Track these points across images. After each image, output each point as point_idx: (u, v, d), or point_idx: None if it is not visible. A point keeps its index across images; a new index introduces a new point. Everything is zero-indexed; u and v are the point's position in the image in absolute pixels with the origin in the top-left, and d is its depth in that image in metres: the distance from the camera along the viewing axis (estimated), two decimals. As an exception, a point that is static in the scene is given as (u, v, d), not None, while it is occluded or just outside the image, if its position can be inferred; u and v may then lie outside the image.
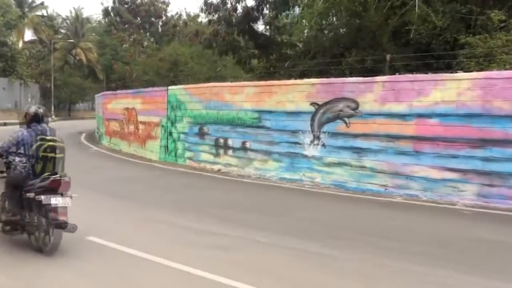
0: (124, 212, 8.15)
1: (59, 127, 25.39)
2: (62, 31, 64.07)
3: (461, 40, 11.32)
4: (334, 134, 10.67)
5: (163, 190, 10.61)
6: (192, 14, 39.04)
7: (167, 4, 36.30)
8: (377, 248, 6.11)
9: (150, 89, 18.20)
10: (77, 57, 60.82)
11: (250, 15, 17.94)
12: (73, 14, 63.92)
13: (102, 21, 36.88)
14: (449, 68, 11.34)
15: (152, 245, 6.08)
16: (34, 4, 60.98)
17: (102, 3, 41.62)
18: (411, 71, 11.00)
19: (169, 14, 36.60)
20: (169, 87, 16.13)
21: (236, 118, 12.98)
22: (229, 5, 18.94)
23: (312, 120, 11.07)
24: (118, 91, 21.51)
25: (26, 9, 59.23)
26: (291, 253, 5.88)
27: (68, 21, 64.32)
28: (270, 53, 19.02)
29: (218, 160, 13.69)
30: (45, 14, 61.81)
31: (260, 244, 6.27)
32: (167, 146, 15.95)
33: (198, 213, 8.13)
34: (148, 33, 32.53)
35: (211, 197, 9.84)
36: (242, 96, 12.81)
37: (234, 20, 18.40)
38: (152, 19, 35.84)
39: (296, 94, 11.42)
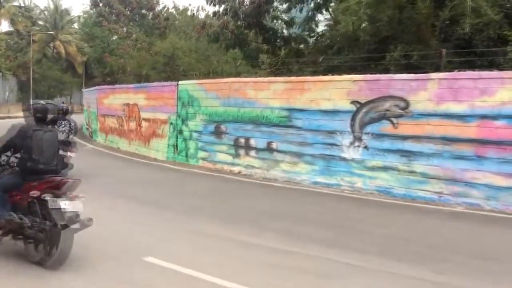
0: (167, 225, 7.14)
1: None
2: (40, 22, 61.94)
3: (509, 36, 10.59)
4: (379, 136, 9.81)
5: (193, 196, 9.60)
6: (180, 7, 37.81)
7: (159, -5, 35.04)
8: (497, 275, 5.27)
9: (156, 83, 17.08)
10: (56, 50, 58.88)
11: (261, 8, 16.92)
12: (52, 6, 61.98)
13: (91, 11, 35.26)
14: (493, 66, 10.58)
15: (228, 271, 5.12)
16: (11, -6, 58.63)
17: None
18: (452, 69, 10.21)
19: (160, 6, 35.29)
20: (180, 82, 15.07)
21: (261, 117, 12.03)
22: (236, -4, 17.91)
23: (353, 120, 10.19)
24: (117, 85, 20.29)
25: (2, -1, 56.94)
26: (406, 283, 4.97)
27: (46, 12, 62.23)
28: (279, 48, 18.07)
29: (237, 161, 12.72)
30: (22, 4, 59.59)
31: (362, 269, 5.32)
32: (176, 145, 14.89)
33: (253, 226, 7.17)
34: (138, 26, 31.14)
35: (253, 205, 8.87)
36: (269, 92, 11.86)
37: (242, 13, 17.36)
38: (143, 11, 34.47)
39: (333, 91, 10.52)
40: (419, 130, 9.26)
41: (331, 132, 10.58)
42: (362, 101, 10.03)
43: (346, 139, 10.34)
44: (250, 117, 12.30)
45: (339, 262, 5.55)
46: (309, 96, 10.97)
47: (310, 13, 16.26)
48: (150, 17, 34.14)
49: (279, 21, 19.35)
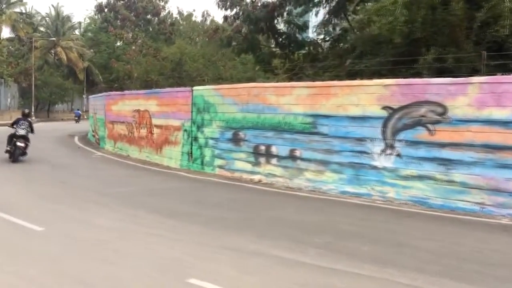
0: (199, 240, 6.60)
1: (43, 130, 24.20)
2: (42, 29, 61.65)
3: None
4: (414, 143, 9.30)
5: (217, 207, 9.08)
6: (185, 13, 37.38)
7: (166, 1, 34.46)
8: None
9: (169, 89, 16.60)
10: (57, 57, 58.42)
11: (274, 12, 16.48)
12: (53, 12, 61.66)
13: (96, 17, 34.77)
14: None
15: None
16: (12, 0, 58.27)
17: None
18: (489, 73, 9.72)
19: (167, 11, 34.85)
20: (195, 88, 14.57)
21: (283, 123, 11.53)
22: (248, 0, 17.47)
23: (385, 126, 9.68)
24: (126, 91, 19.78)
25: (4, 5, 56.57)
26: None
27: (47, 19, 61.88)
28: (292, 53, 17.60)
29: (257, 170, 12.20)
30: (24, 11, 59.26)
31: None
32: (191, 153, 14.37)
33: (290, 240, 6.63)
34: (144, 31, 30.65)
35: (283, 217, 8.34)
36: (291, 98, 11.36)
37: (255, 17, 16.91)
38: (149, 16, 34.00)
39: (362, 97, 10.02)
40: (458, 137, 8.76)
41: (360, 139, 10.07)
42: (395, 107, 9.53)
43: (377, 147, 9.83)
44: (271, 124, 11.81)
45: (400, 284, 5.03)
46: (335, 102, 10.47)
47: (327, 17, 15.76)
48: (155, 22, 33.71)
49: (291, 25, 18.87)
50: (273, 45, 18.30)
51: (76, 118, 48.67)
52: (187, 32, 32.65)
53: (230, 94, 13.05)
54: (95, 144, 22.78)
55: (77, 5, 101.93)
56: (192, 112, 14.30)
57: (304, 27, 18.21)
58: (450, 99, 8.83)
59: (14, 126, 15.08)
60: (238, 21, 17.43)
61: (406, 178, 9.42)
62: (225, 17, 18.80)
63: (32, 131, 15.41)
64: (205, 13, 34.61)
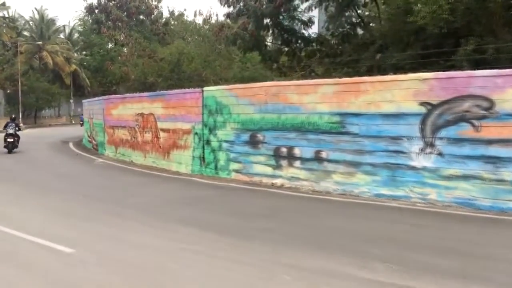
0: (251, 257, 5.93)
1: (34, 136, 24.38)
2: (26, 33, 60.15)
3: None
4: (457, 140, 8.71)
5: (252, 217, 8.40)
6: (176, 12, 36.52)
7: (159, 0, 33.49)
8: None
9: (176, 91, 15.85)
10: (43, 61, 57.03)
11: (281, 7, 15.81)
12: (37, 15, 60.21)
13: (86, 19, 33.70)
14: None
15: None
16: (-6, 5, 56.74)
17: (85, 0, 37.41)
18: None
19: (159, 11, 33.88)
20: (205, 88, 13.87)
21: (306, 123, 10.89)
22: (253, -4, 16.77)
23: (423, 123, 9.08)
24: (127, 94, 18.97)
25: (-14, 10, 55.03)
26: None
27: (31, 22, 60.43)
28: (299, 49, 16.95)
29: (279, 173, 11.55)
30: (7, 15, 57.72)
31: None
32: (203, 157, 13.66)
33: (348, 252, 6.02)
34: (138, 32, 29.77)
35: (327, 225, 7.70)
36: (316, 96, 10.71)
37: (261, 13, 16.22)
38: (141, 17, 33.06)
39: (397, 93, 9.41)
40: (508, 132, 8.19)
41: (396, 138, 9.45)
42: (434, 102, 8.93)
43: (415, 145, 9.22)
44: (293, 124, 11.16)
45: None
46: (366, 99, 9.85)
47: (339, 10, 15.11)
48: (148, 22, 32.81)
49: (297, 21, 18.22)
50: (278, 42, 17.60)
51: (81, 122, 47.53)
52: (180, 32, 31.79)
53: (245, 94, 12.37)
54: (93, 150, 21.91)
55: (61, 8, 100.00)
56: (203, 114, 13.59)
57: (310, 22, 17.57)
58: (498, 92, 8.25)
59: (6, 128, 20.39)
60: (240, 18, 16.69)
61: (449, 178, 8.83)
62: (228, 14, 18.10)
63: (19, 129, 21.21)
64: (197, 12, 33.91)
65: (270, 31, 17.21)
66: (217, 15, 33.18)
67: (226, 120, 12.83)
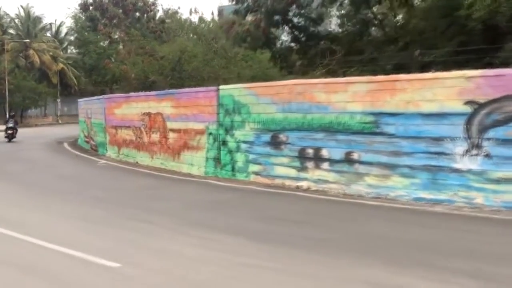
0: (324, 273, 5.34)
1: (26, 136, 24.16)
2: (11, 31, 58.76)
3: None
4: (507, 142, 8.24)
5: (297, 224, 7.81)
6: (170, 11, 35.80)
7: (156, -3, 32.80)
8: None
9: (188, 89, 15.23)
10: (29, 59, 55.69)
11: (294, 3, 15.26)
12: (23, 13, 58.87)
13: (80, 16, 32.70)
14: None
15: None
16: (-21, 2, 55.36)
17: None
18: None
19: (156, 9, 33.13)
20: (221, 87, 13.26)
21: (336, 123, 10.35)
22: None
23: (469, 123, 8.58)
24: (132, 93, 18.25)
25: (-30, 8, 53.66)
26: None
27: (17, 20, 59.07)
28: (310, 47, 16.42)
29: (304, 175, 11.00)
30: (-9, 13, 56.34)
31: None
32: (219, 158, 13.05)
33: (435, 269, 5.40)
34: (138, 29, 28.96)
35: (378, 233, 7.13)
36: (346, 95, 10.18)
37: (273, 9, 15.66)
38: (137, 14, 32.24)
39: (439, 91, 8.91)
40: None
41: (438, 139, 8.95)
42: (481, 101, 8.44)
43: (459, 147, 8.73)
44: (320, 124, 10.61)
45: None
46: (404, 98, 9.33)
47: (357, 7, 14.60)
48: (144, 20, 32.01)
49: (307, 19, 17.68)
50: (287, 40, 17.08)
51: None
52: (176, 31, 31.10)
53: (267, 93, 11.80)
54: (92, 151, 21.13)
55: (48, 6, 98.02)
56: (218, 113, 12.98)
57: (319, 20, 17.06)
58: (553, 90, 7.78)
59: (7, 123, 27.00)
60: (252, 14, 16.11)
61: (498, 181, 8.35)
62: (236, 11, 17.50)
63: (17, 124, 27.82)
64: (192, 10, 33.28)
65: (281, 28, 16.63)
66: (212, 13, 32.25)
67: (244, 120, 12.25)
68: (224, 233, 7.00)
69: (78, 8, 32.64)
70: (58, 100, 59.87)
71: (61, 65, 57.00)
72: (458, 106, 8.67)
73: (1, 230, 7.21)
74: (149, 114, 15.93)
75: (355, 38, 15.85)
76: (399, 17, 15.33)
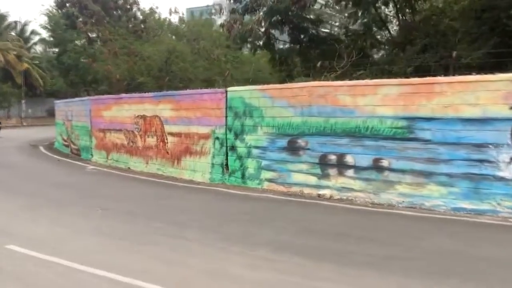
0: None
1: None
2: (-28, 30, 56.14)
3: None
4: (558, 149, 7.81)
5: (342, 238, 7.15)
6: (146, 11, 34.68)
7: (136, -5, 31.57)
8: None
9: (191, 91, 14.38)
10: (-8, 59, 53.21)
11: (297, 3, 14.67)
12: (-15, 11, 56.40)
13: (56, 13, 31.12)
14: None
15: None
16: None
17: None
18: None
19: (136, 8, 31.90)
20: (230, 88, 12.52)
21: (363, 128, 9.77)
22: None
23: (516, 129, 8.13)
24: (123, 95, 17.20)
25: None
26: None
27: (-22, 18, 56.53)
28: (312, 48, 15.86)
29: (326, 183, 10.38)
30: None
31: None
32: (227, 164, 12.30)
33: None
34: (124, 28, 27.74)
35: (449, 250, 6.53)
36: (375, 98, 9.61)
37: (277, 8, 15.02)
38: (117, 12, 30.93)
39: (482, 95, 8.44)
40: None
41: (480, 146, 8.47)
42: (530, 106, 8.00)
43: (504, 154, 8.27)
44: (345, 129, 10.02)
45: None
46: (442, 101, 8.82)
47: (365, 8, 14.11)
48: (124, 19, 30.82)
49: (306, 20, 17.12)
50: (288, 41, 16.47)
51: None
52: (156, 30, 30.06)
53: (283, 95, 11.14)
54: (73, 155, 19.94)
55: (12, 3, 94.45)
56: (226, 117, 12.24)
57: (318, 21, 16.53)
58: None
59: None
60: (253, 14, 15.41)
61: (547, 190, 7.91)
62: (233, 10, 16.79)
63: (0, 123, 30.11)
64: (172, 10, 32.36)
65: (282, 29, 16.00)
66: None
67: (257, 124, 11.56)
68: (275, 251, 6.28)
69: (54, 4, 31.07)
70: (23, 101, 57.54)
71: (26, 65, 54.87)
72: (504, 111, 8.23)
73: (15, 248, 6.30)
74: (144, 117, 15.02)
75: (360, 39, 15.37)
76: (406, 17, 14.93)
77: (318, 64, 12.39)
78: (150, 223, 8.00)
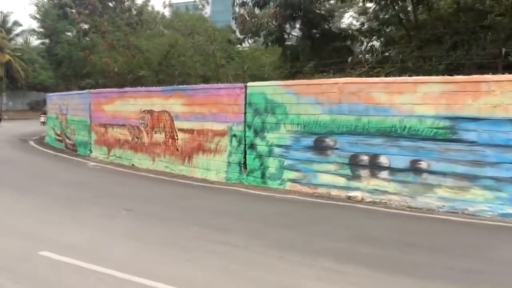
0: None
1: None
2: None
3: None
4: None
5: (418, 249, 6.59)
6: (140, 3, 33.83)
7: (132, -13, 30.66)
8: None
9: (205, 85, 13.75)
10: (-27, 51, 51.56)
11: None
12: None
13: (47, 2, 29.98)
14: None
15: None
16: None
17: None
18: None
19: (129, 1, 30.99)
20: (250, 84, 11.90)
21: (399, 128, 9.27)
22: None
23: None
24: (128, 88, 16.40)
25: None
26: None
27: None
28: (326, 44, 15.32)
29: (356, 185, 9.86)
30: None
31: None
32: (245, 163, 11.69)
33: None
34: (117, 19, 26.83)
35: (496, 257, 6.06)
36: (414, 96, 9.12)
37: (290, 2, 14.45)
38: (111, 3, 29.96)
39: (536, 94, 7.99)
40: None
41: (532, 148, 8.03)
42: None
43: (558, 157, 7.83)
44: (379, 128, 9.51)
45: None
46: (490, 101, 8.36)
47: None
48: (118, 10, 29.88)
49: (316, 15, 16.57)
50: (300, 36, 15.90)
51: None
52: (150, 23, 29.23)
53: (310, 91, 10.58)
54: (68, 151, 19.07)
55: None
56: (245, 113, 11.64)
57: (331, 16, 16.01)
58: None
59: None
60: (278, 8, 14.71)
61: None
62: (242, 3, 16.17)
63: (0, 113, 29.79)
64: (166, 3, 31.62)
65: (294, 24, 15.44)
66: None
67: (280, 121, 10.98)
68: (338, 261, 5.72)
69: (46, -7, 30.04)
70: (4, 94, 55.99)
71: (7, 57, 53.34)
72: (560, 112, 7.78)
73: (50, 255, 5.62)
74: (151, 112, 14.31)
75: (377, 35, 14.89)
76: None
77: (349, 59, 11.77)
78: (184, 226, 7.37)
